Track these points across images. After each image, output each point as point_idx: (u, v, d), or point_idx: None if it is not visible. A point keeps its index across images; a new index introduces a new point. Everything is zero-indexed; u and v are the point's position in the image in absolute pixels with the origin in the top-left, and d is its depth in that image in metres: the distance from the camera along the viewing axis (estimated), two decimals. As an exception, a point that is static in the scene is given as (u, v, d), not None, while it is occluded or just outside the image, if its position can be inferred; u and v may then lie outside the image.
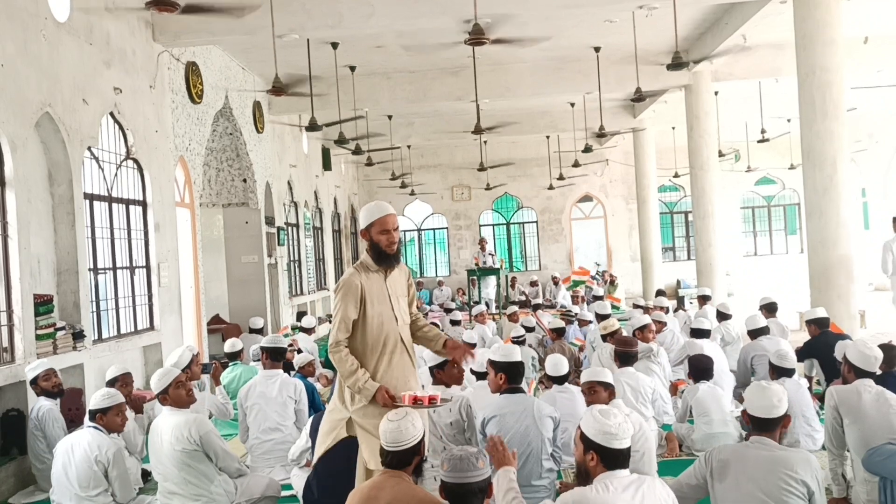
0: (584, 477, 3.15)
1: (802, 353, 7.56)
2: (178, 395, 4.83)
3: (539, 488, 4.56)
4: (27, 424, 6.38)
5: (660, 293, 14.58)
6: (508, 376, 4.90)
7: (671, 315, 10.87)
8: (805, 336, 7.98)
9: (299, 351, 9.04)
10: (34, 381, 6.13)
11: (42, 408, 6.00)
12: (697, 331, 7.96)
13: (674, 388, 7.45)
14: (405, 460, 3.36)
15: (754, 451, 3.58)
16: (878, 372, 3.56)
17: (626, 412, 4.22)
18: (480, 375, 5.97)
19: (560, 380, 5.75)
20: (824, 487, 3.78)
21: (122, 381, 6.08)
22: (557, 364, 5.77)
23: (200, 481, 4.71)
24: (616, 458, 3.08)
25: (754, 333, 7.71)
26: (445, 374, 5.13)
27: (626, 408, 4.93)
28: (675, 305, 13.45)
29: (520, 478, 4.53)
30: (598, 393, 4.82)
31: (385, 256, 3.99)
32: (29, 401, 6.47)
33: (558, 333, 9.36)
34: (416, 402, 3.77)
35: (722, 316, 9.41)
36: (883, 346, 5.31)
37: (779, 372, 6.13)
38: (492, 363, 5.03)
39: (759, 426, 3.65)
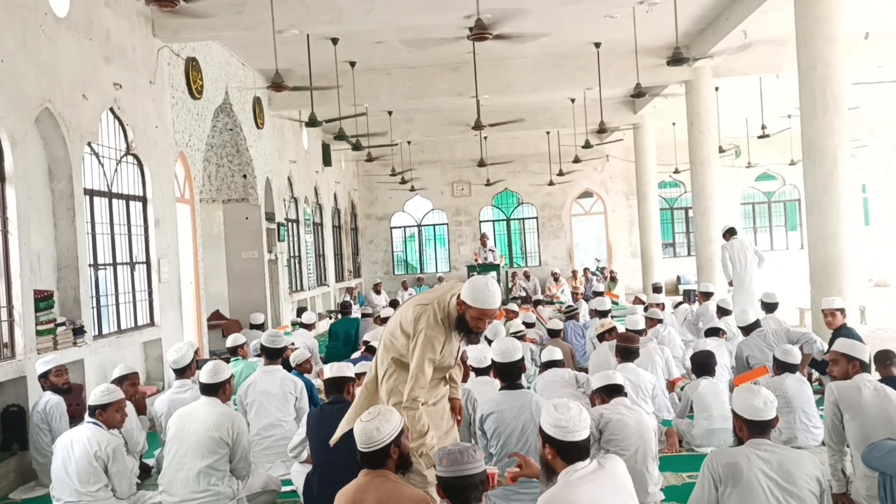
0: (548, 470, 3.18)
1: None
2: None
3: (537, 483, 4.55)
4: (28, 420, 6.39)
5: (656, 289, 14.57)
6: (505, 375, 4.91)
7: (669, 311, 10.88)
8: (804, 331, 8.00)
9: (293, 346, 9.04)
10: (44, 376, 6.14)
11: (50, 401, 6.00)
12: (711, 329, 8.03)
13: (671, 386, 7.45)
14: (380, 459, 3.30)
15: (763, 453, 3.50)
16: (772, 416, 3.57)
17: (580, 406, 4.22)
18: (480, 371, 5.97)
19: (553, 365, 6.15)
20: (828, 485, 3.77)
21: (130, 381, 6.06)
22: (552, 352, 6.24)
23: (212, 474, 4.74)
24: (571, 451, 3.10)
25: (746, 330, 7.72)
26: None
27: (629, 403, 4.95)
28: (675, 303, 13.43)
29: (519, 473, 4.56)
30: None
31: (468, 332, 3.96)
32: (30, 396, 6.48)
33: (555, 335, 9.33)
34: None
35: (722, 312, 9.41)
36: (880, 352, 5.35)
37: (782, 367, 6.15)
38: (492, 362, 5.05)
39: (755, 430, 3.57)
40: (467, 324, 3.88)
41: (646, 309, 10.33)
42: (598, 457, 3.21)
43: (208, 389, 4.99)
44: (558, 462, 3.12)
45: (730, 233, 11.90)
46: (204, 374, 5.05)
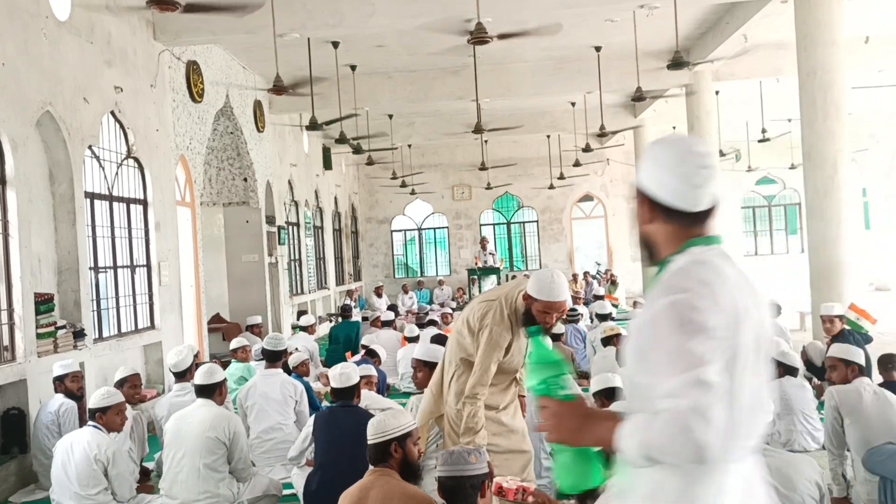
0: None
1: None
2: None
3: (539, 487, 4.55)
4: (28, 422, 6.38)
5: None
6: None
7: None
8: (805, 336, 8.00)
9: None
10: (60, 379, 6.13)
11: (64, 405, 5.99)
12: None
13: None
14: (383, 455, 3.37)
15: (762, 458, 3.49)
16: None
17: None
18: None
19: None
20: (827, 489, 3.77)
21: (130, 383, 6.06)
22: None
23: (211, 476, 4.74)
24: None
25: None
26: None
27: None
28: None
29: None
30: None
31: (529, 324, 3.89)
32: (30, 399, 6.48)
33: (555, 339, 9.33)
34: (516, 493, 3.58)
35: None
36: (883, 356, 5.36)
37: (784, 370, 6.15)
38: None
39: None
40: (534, 319, 3.77)
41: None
42: None
43: (203, 391, 5.00)
44: None
45: None
46: (199, 376, 5.06)
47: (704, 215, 1.92)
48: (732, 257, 1.92)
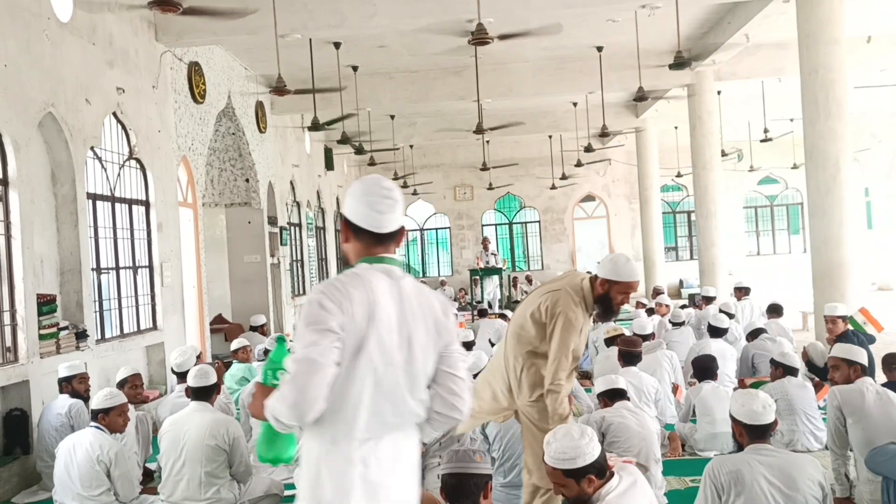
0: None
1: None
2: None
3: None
4: (30, 423, 6.39)
5: (657, 292, 14.54)
6: None
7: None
8: (807, 336, 7.99)
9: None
10: (67, 380, 6.12)
11: (74, 406, 5.97)
12: (714, 328, 7.97)
13: (675, 389, 7.44)
14: None
15: (764, 459, 3.48)
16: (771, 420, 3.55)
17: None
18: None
19: None
20: (830, 488, 3.76)
21: (131, 383, 6.06)
22: None
23: (213, 482, 4.73)
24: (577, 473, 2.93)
25: (753, 334, 7.74)
26: None
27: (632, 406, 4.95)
28: (679, 306, 13.41)
29: (520, 479, 4.54)
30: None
31: (609, 311, 3.97)
32: (32, 400, 6.48)
33: None
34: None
35: (725, 315, 9.40)
36: (888, 356, 5.34)
37: (784, 370, 6.15)
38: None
39: (755, 434, 3.55)
40: (609, 302, 3.88)
41: (651, 311, 10.33)
42: (623, 473, 3.06)
43: (199, 393, 4.97)
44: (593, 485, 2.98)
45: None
46: (193, 378, 5.02)
47: (387, 238, 2.39)
48: (397, 275, 2.39)
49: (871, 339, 7.36)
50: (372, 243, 2.39)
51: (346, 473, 2.27)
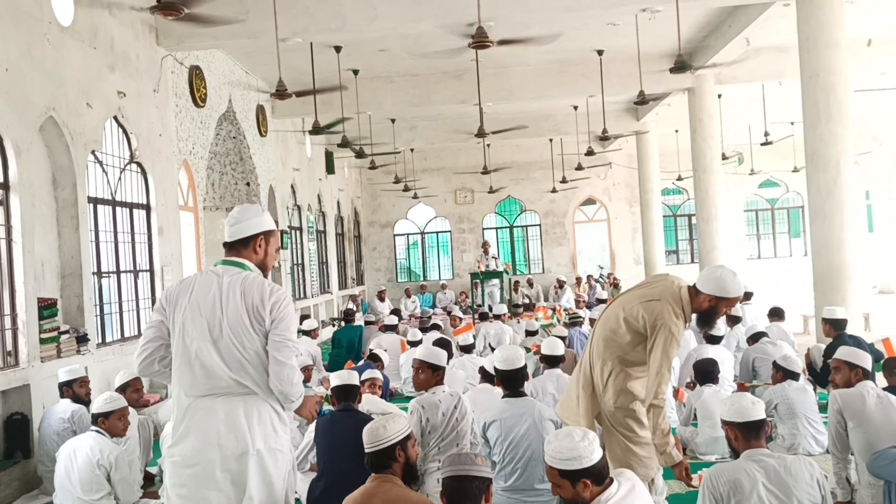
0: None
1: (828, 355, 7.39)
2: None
3: (542, 492, 4.54)
4: (31, 427, 6.39)
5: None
6: (508, 383, 4.87)
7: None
8: (808, 339, 7.97)
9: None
10: (68, 385, 6.11)
11: (77, 410, 5.97)
12: (710, 336, 7.95)
13: (676, 392, 7.42)
14: (385, 461, 3.37)
15: (762, 464, 3.45)
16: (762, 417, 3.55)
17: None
18: (485, 377, 5.97)
19: (554, 361, 6.33)
20: (829, 491, 3.75)
21: (132, 387, 6.05)
22: (552, 345, 6.39)
23: None
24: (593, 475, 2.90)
25: (754, 338, 7.72)
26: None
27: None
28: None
29: (521, 482, 4.54)
30: None
31: (710, 324, 4.04)
32: (33, 404, 6.48)
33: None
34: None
35: (732, 319, 9.32)
36: (889, 360, 5.32)
37: (785, 374, 6.14)
38: (495, 370, 5.00)
39: (749, 433, 3.51)
40: (714, 316, 3.96)
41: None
42: (621, 479, 3.00)
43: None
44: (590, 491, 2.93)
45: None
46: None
47: (230, 246, 3.30)
48: (217, 273, 3.24)
49: (878, 355, 7.26)
50: (227, 249, 3.33)
51: (179, 419, 3.17)
